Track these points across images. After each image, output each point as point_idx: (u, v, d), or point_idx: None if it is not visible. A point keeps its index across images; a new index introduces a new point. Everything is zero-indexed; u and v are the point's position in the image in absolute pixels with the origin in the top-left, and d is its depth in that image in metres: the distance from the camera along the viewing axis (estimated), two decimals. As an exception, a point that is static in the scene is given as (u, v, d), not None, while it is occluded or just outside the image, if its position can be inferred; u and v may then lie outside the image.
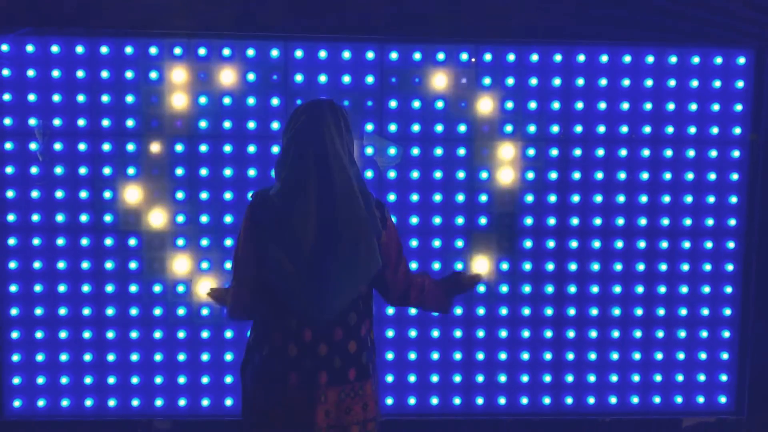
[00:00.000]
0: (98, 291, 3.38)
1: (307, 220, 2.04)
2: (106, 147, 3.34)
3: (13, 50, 3.31)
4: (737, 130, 3.47)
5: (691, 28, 3.44)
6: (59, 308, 3.37)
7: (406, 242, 3.40)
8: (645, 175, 3.45)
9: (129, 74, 3.32)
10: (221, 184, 3.36)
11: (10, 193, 3.33)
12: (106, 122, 3.33)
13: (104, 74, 3.32)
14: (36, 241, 3.35)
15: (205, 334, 3.41)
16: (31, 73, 3.31)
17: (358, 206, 2.08)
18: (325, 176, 2.06)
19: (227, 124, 3.35)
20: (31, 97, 3.31)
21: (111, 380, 3.40)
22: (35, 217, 3.34)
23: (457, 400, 3.49)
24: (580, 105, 3.43)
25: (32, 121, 3.32)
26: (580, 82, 3.42)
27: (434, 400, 3.49)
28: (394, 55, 3.37)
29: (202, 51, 3.34)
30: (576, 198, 3.45)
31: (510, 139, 3.41)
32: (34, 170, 3.33)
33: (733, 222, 3.49)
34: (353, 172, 2.16)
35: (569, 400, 3.52)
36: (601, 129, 3.44)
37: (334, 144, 2.11)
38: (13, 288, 3.36)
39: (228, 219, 3.37)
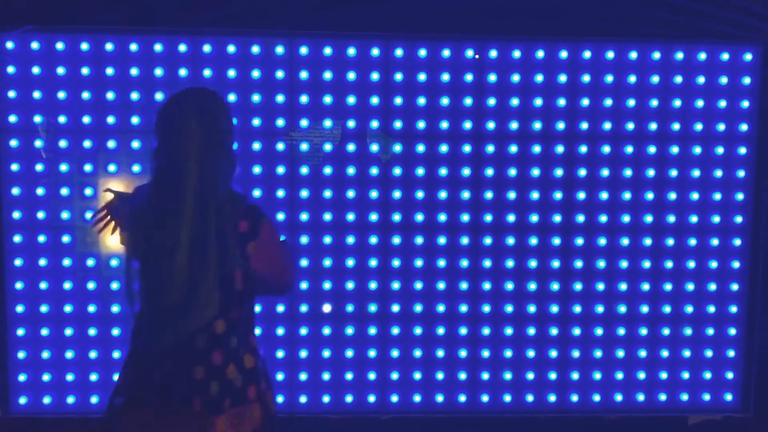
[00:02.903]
0: (104, 288, 3.38)
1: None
2: (111, 144, 3.34)
3: (18, 47, 3.31)
4: (744, 127, 3.45)
5: (697, 24, 3.43)
6: (65, 305, 3.37)
7: (410, 238, 3.40)
8: (651, 172, 3.44)
9: (134, 71, 3.32)
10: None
11: (15, 191, 3.33)
12: (111, 119, 3.33)
13: (109, 71, 3.32)
14: (41, 238, 3.35)
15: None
16: (35, 70, 3.30)
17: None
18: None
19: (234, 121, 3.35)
20: (36, 95, 3.31)
21: (117, 377, 3.39)
22: (41, 215, 3.34)
23: (462, 398, 3.49)
24: (585, 102, 3.42)
25: (37, 119, 3.32)
26: (586, 78, 3.41)
27: (440, 398, 3.48)
28: (399, 52, 3.37)
29: (206, 48, 3.33)
30: (582, 195, 3.44)
31: (515, 136, 3.41)
32: (39, 167, 3.33)
33: (739, 219, 3.48)
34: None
35: (575, 398, 3.51)
36: (607, 126, 3.43)
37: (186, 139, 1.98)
38: (19, 285, 3.36)
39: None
